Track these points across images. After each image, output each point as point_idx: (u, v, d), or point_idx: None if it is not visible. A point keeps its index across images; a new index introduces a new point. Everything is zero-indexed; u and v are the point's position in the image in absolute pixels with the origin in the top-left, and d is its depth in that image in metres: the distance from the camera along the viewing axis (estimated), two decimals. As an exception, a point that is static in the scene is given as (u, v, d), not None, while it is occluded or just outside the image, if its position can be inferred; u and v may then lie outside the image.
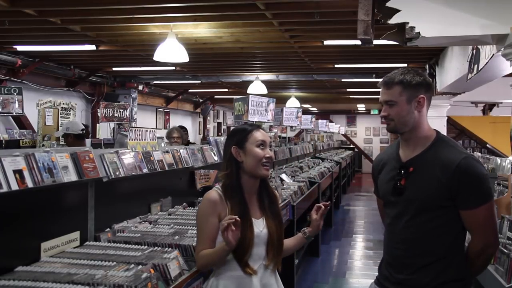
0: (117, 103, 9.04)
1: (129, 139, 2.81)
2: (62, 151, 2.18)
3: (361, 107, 19.20)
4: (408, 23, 2.58)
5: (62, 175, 2.09)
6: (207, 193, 2.10)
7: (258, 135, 2.07)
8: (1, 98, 6.22)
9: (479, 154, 6.53)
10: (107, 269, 1.95)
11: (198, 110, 16.27)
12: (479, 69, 4.05)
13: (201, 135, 16.32)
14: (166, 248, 2.34)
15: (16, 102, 6.36)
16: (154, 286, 1.90)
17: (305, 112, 12.60)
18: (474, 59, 4.29)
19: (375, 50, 6.74)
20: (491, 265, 2.27)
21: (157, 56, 5.84)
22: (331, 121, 17.71)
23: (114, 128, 9.19)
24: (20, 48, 7.43)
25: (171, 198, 3.44)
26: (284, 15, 5.36)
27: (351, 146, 21.01)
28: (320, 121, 13.07)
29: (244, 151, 2.05)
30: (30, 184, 1.90)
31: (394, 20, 2.59)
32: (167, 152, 3.19)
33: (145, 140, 2.95)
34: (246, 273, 1.99)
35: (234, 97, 5.57)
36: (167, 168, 3.07)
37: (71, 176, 2.16)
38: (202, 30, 6.04)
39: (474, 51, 4.31)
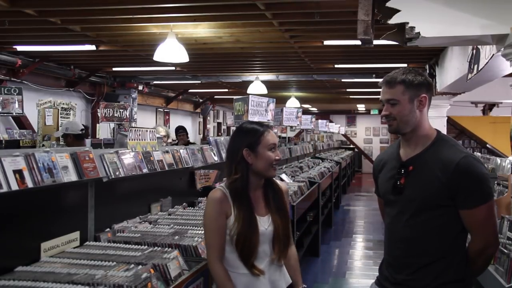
0: (117, 103, 9.05)
1: (129, 139, 2.81)
2: (62, 151, 2.19)
3: (361, 107, 19.20)
4: (408, 23, 2.58)
5: (62, 175, 2.09)
6: (212, 192, 2.10)
7: (270, 138, 2.08)
8: (1, 98, 6.22)
9: (479, 154, 6.53)
10: (107, 269, 1.95)
11: (198, 110, 16.27)
12: (479, 69, 4.05)
13: (201, 135, 16.33)
14: (166, 248, 2.34)
15: (16, 102, 6.37)
16: (154, 286, 1.90)
17: (305, 112, 12.59)
18: (474, 59, 4.29)
19: (375, 50, 6.74)
20: (491, 265, 2.27)
21: (157, 56, 5.84)
22: (331, 121, 17.72)
23: (114, 128, 9.19)
24: (20, 48, 7.43)
25: (171, 198, 3.44)
26: (284, 15, 5.36)
27: (351, 146, 21.01)
28: (320, 121, 13.08)
29: (255, 154, 2.05)
30: (30, 184, 1.90)
31: (394, 20, 2.59)
32: (167, 152, 3.20)
33: (145, 140, 2.95)
34: (254, 274, 1.99)
35: (234, 97, 5.57)
36: (167, 168, 3.07)
37: (71, 176, 2.16)
38: (202, 30, 6.05)
39: (474, 51, 4.32)
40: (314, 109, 20.08)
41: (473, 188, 1.79)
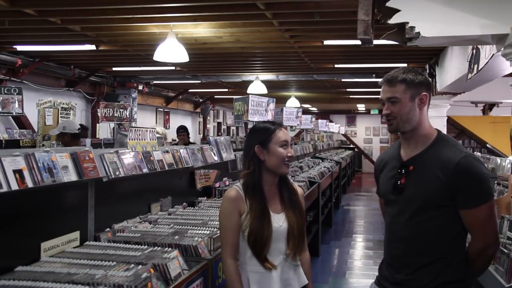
0: (117, 103, 9.05)
1: (129, 139, 2.81)
2: (62, 151, 2.18)
3: (361, 107, 19.20)
4: (408, 23, 2.58)
5: (62, 175, 2.09)
6: (227, 191, 2.16)
7: (281, 135, 2.13)
8: (1, 98, 6.22)
9: (479, 154, 6.53)
10: (107, 269, 1.95)
11: (198, 110, 16.28)
12: (479, 69, 4.05)
13: (201, 135, 16.33)
14: (166, 248, 2.34)
15: (16, 102, 6.37)
16: (154, 286, 1.90)
17: (305, 112, 12.58)
18: (474, 59, 4.29)
19: (375, 50, 6.75)
20: (491, 265, 2.27)
21: (157, 56, 5.84)
22: (331, 121, 17.71)
23: (114, 128, 9.20)
24: (20, 48, 7.43)
25: (171, 198, 3.44)
26: (284, 15, 5.36)
27: (351, 146, 21.01)
28: (320, 121, 13.07)
29: (267, 151, 2.10)
30: (30, 184, 1.90)
31: (394, 20, 2.59)
32: (167, 152, 3.20)
33: (145, 140, 2.94)
34: (266, 268, 2.03)
35: (234, 97, 5.57)
36: (167, 168, 3.07)
37: (71, 176, 2.16)
38: (202, 30, 6.04)
39: (474, 51, 4.32)
40: (314, 109, 20.09)
41: (473, 188, 1.79)
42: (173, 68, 9.21)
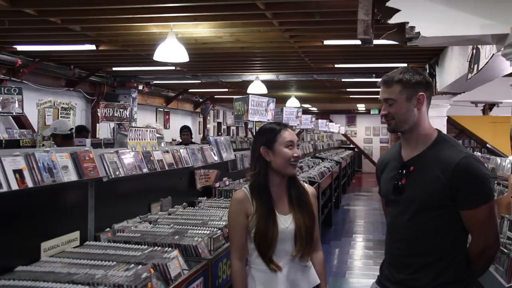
0: (117, 103, 9.06)
1: (129, 139, 2.81)
2: (62, 151, 2.18)
3: (361, 107, 19.20)
4: (408, 23, 2.58)
5: (62, 175, 2.09)
6: (234, 193, 2.18)
7: (287, 135, 2.12)
8: (1, 98, 6.22)
9: (479, 154, 6.52)
10: (107, 269, 1.95)
11: (198, 110, 16.27)
12: (479, 69, 4.05)
13: (201, 135, 16.32)
14: (166, 248, 2.34)
15: (16, 102, 6.37)
16: (154, 286, 1.90)
17: (305, 112, 12.59)
18: (474, 59, 4.29)
19: (375, 50, 6.74)
20: (491, 265, 2.27)
21: (157, 56, 5.84)
22: (331, 121, 17.71)
23: (114, 128, 9.20)
24: (20, 48, 7.43)
25: (171, 198, 3.44)
26: (284, 15, 5.36)
27: (351, 146, 21.01)
28: (320, 121, 13.07)
29: (273, 151, 2.10)
30: (30, 184, 1.90)
31: (394, 20, 2.59)
32: (167, 152, 3.20)
33: (145, 140, 2.95)
34: (271, 269, 2.02)
35: (234, 97, 5.57)
36: (167, 168, 3.07)
37: (71, 176, 2.16)
38: (202, 30, 6.04)
39: (474, 51, 4.32)
40: (314, 109, 20.09)
41: (473, 188, 1.79)
42: (173, 68, 9.21)
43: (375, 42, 2.79)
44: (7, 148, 6.16)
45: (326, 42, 6.65)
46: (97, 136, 10.10)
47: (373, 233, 8.12)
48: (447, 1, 2.62)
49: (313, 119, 11.43)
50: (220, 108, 18.42)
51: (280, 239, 2.03)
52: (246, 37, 6.51)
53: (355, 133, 22.03)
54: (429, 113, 1.97)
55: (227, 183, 4.31)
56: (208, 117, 17.10)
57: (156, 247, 2.36)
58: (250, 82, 9.70)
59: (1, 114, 6.59)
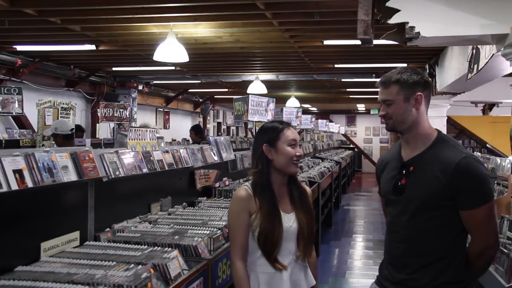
0: (117, 103, 9.06)
1: (129, 139, 2.81)
2: (62, 151, 2.18)
3: (361, 107, 19.20)
4: (408, 23, 2.58)
5: (62, 175, 2.09)
6: (236, 191, 2.15)
7: (289, 134, 2.11)
8: (1, 98, 6.23)
9: (479, 154, 6.53)
10: (107, 269, 1.95)
11: (198, 110, 16.27)
12: (479, 69, 4.05)
13: (201, 135, 16.30)
14: (166, 248, 2.34)
15: (16, 102, 6.38)
16: (154, 286, 1.90)
17: (305, 112, 12.60)
18: (474, 59, 4.29)
19: (375, 50, 6.74)
20: (491, 265, 2.27)
21: (157, 56, 5.84)
22: (331, 121, 17.71)
23: (114, 128, 9.20)
24: (20, 48, 7.43)
25: (171, 198, 3.44)
26: (284, 15, 5.36)
27: (351, 146, 21.01)
28: (320, 121, 13.07)
29: (275, 150, 2.09)
30: (30, 184, 1.90)
31: (394, 20, 2.59)
32: (167, 152, 3.20)
33: (145, 140, 2.95)
34: (276, 269, 2.01)
35: (234, 97, 5.57)
36: (167, 168, 3.07)
37: (71, 176, 2.16)
38: (202, 30, 6.04)
39: (474, 51, 4.32)
40: (314, 109, 20.09)
41: (473, 188, 1.78)
42: (173, 68, 9.21)
43: (375, 42, 2.79)
44: (7, 148, 6.16)
45: (326, 42, 6.65)
46: (97, 136, 10.10)
47: (373, 233, 8.11)
48: (447, 1, 2.62)
49: (313, 119, 11.43)
50: (220, 108, 18.42)
51: (284, 238, 2.02)
52: (246, 37, 6.51)
53: (355, 133, 22.03)
54: (428, 113, 1.97)
55: (227, 183, 4.31)
56: (208, 117, 17.10)
57: (156, 247, 2.36)
58: (250, 82, 9.70)
59: (1, 114, 6.59)
